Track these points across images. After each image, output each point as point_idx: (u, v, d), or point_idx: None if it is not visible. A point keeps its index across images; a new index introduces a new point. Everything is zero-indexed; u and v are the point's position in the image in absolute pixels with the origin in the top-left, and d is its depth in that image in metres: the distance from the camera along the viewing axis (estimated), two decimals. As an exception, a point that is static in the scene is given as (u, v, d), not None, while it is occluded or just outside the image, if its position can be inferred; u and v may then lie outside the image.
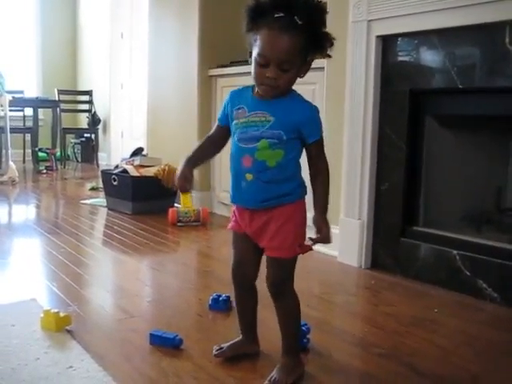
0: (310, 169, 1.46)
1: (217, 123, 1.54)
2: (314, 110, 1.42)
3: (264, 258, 1.51)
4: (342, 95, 2.70)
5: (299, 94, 1.44)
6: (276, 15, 1.32)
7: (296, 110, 1.40)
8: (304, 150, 1.45)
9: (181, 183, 1.50)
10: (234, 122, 1.45)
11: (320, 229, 1.43)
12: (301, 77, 1.40)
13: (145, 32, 4.90)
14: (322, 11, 1.35)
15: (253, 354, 1.62)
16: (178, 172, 1.51)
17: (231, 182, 1.48)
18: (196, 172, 3.46)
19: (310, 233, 1.46)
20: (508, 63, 2.08)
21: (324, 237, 1.43)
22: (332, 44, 1.38)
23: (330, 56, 1.40)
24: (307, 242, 1.45)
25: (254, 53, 1.36)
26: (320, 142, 1.44)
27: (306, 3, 1.33)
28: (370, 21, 2.53)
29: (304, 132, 1.40)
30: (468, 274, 2.24)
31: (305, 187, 1.48)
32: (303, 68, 1.39)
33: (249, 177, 1.41)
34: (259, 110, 1.41)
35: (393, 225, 2.56)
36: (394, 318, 1.99)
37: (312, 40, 1.35)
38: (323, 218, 1.44)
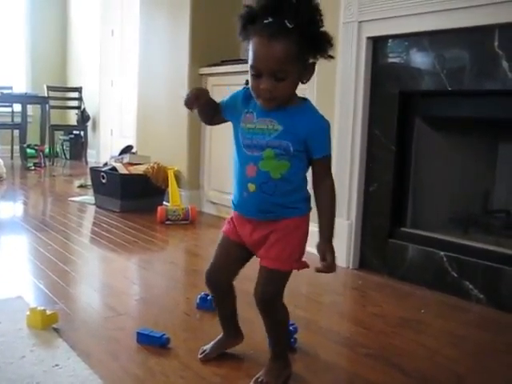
0: (314, 187, 1.39)
1: (220, 104, 1.46)
2: (325, 124, 1.36)
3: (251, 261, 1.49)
4: (332, 96, 2.70)
5: (313, 105, 1.39)
6: (265, 21, 1.24)
7: (306, 121, 1.33)
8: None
9: (192, 94, 1.39)
10: (241, 125, 1.39)
11: (324, 256, 1.35)
12: (303, 82, 1.34)
13: (136, 30, 4.88)
14: (314, 10, 1.27)
15: (237, 345, 1.61)
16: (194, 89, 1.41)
17: (235, 188, 1.43)
18: (185, 170, 3.49)
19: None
20: (497, 66, 2.10)
21: (329, 266, 1.35)
22: (331, 44, 1.31)
23: (331, 57, 1.32)
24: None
25: (249, 63, 1.30)
26: (328, 159, 1.37)
27: (295, 4, 1.24)
28: (360, 22, 2.53)
29: (311, 145, 1.33)
30: (455, 275, 2.26)
31: (310, 202, 1.43)
32: (305, 73, 1.32)
33: (251, 187, 1.36)
34: (268, 117, 1.34)
35: (381, 226, 2.57)
36: (381, 319, 2.00)
37: (308, 42, 1.27)
38: (329, 245, 1.36)
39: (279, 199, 1.36)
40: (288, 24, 1.24)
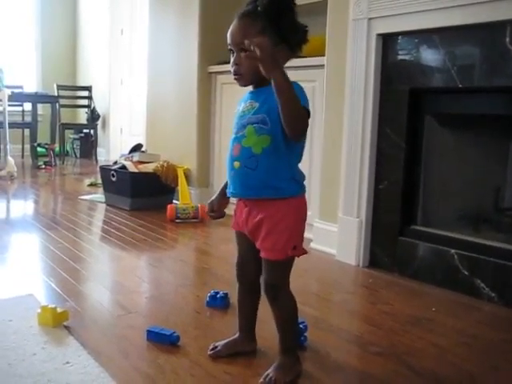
0: None
1: None
2: (296, 85, 1.33)
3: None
4: (342, 93, 2.69)
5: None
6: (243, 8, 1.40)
7: None
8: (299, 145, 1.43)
9: (208, 210, 1.58)
10: (234, 121, 1.47)
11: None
12: None
13: (145, 28, 4.89)
14: (284, 1, 1.37)
15: (249, 351, 1.62)
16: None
17: (226, 173, 1.49)
18: (194, 168, 3.47)
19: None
20: (508, 63, 2.08)
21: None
22: (301, 40, 1.39)
23: (297, 55, 1.41)
24: None
25: None
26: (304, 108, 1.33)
27: None
28: (370, 19, 2.52)
29: None
30: (466, 273, 2.25)
31: (301, 184, 1.45)
32: (272, 51, 1.30)
33: (236, 165, 1.41)
34: (249, 100, 1.44)
35: (391, 223, 2.56)
36: (392, 317, 1.99)
37: (274, 23, 1.35)
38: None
39: (262, 175, 1.39)
40: (259, 8, 1.36)
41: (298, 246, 1.44)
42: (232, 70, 1.42)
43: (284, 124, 1.30)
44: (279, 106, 1.28)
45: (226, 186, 1.54)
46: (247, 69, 1.38)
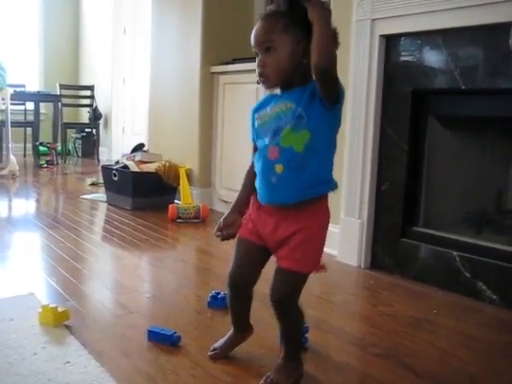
0: None
1: (252, 144, 1.47)
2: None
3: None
4: (345, 94, 2.68)
5: None
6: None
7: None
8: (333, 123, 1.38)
9: (218, 229, 1.48)
10: (257, 124, 1.41)
11: None
12: (303, 63, 1.31)
13: (147, 28, 4.89)
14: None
15: (247, 338, 1.60)
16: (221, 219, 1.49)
17: (258, 183, 1.41)
18: (196, 168, 3.47)
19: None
20: (511, 64, 2.07)
21: None
22: None
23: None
24: None
25: None
26: None
27: None
28: (373, 20, 2.52)
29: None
30: (468, 275, 2.24)
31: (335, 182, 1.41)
32: (297, 49, 1.32)
33: (279, 168, 1.33)
34: (280, 101, 1.37)
35: (393, 225, 2.55)
36: (393, 319, 1.99)
37: (298, 25, 1.31)
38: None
39: (310, 173, 1.33)
40: (283, 7, 1.35)
41: (319, 261, 1.41)
42: (257, 72, 1.37)
43: (315, 50, 1.25)
44: (314, 33, 1.25)
45: (240, 202, 1.49)
46: (273, 70, 1.34)
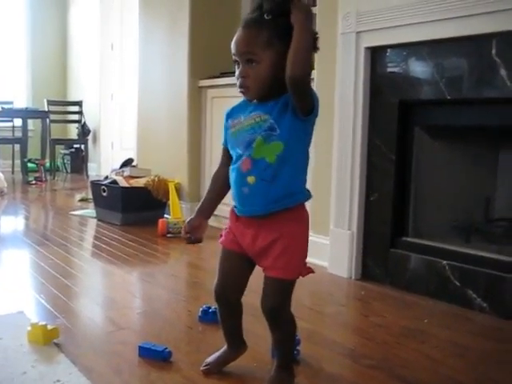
0: None
1: (222, 147, 1.48)
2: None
3: (256, 271, 1.49)
4: (332, 106, 2.70)
5: None
6: (248, 15, 1.34)
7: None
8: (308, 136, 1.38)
9: (184, 232, 1.48)
10: (230, 131, 1.41)
11: None
12: (283, 76, 1.27)
13: (135, 43, 4.91)
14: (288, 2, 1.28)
15: (241, 355, 1.58)
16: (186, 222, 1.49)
17: (233, 193, 1.41)
18: (185, 183, 3.45)
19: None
20: (495, 74, 2.10)
21: None
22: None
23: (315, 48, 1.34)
24: None
25: None
26: None
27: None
28: (358, 32, 2.54)
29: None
30: (457, 284, 2.25)
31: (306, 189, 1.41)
32: (281, 63, 1.28)
33: (251, 179, 1.34)
34: (254, 112, 1.36)
35: (382, 235, 2.56)
36: (384, 329, 1.99)
37: (281, 32, 1.28)
38: None
39: (282, 184, 1.33)
40: (265, 16, 1.30)
41: (305, 264, 1.41)
42: (238, 83, 1.35)
43: (291, 59, 1.24)
44: (294, 39, 1.24)
45: (204, 206, 1.49)
46: (254, 81, 1.33)
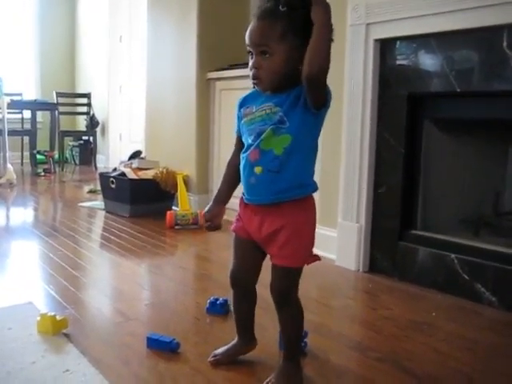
0: None
1: (236, 136, 1.49)
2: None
3: (266, 264, 1.49)
4: (341, 98, 2.69)
5: None
6: (262, 6, 1.32)
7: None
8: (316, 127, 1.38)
9: (204, 220, 1.52)
10: (243, 120, 1.42)
11: None
12: (299, 69, 1.28)
13: (143, 35, 4.90)
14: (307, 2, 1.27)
15: (251, 351, 1.60)
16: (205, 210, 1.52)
17: (242, 181, 1.44)
18: (194, 175, 3.45)
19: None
20: (505, 67, 2.08)
21: None
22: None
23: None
24: None
25: None
26: None
27: None
28: (368, 24, 2.53)
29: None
30: (466, 277, 2.24)
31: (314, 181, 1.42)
32: (295, 56, 1.29)
33: (258, 170, 1.36)
34: (266, 103, 1.36)
35: (391, 228, 2.56)
36: (392, 322, 1.99)
37: (297, 24, 1.28)
38: None
39: (288, 176, 1.34)
40: (280, 8, 1.29)
41: (312, 253, 1.43)
42: (251, 74, 1.35)
43: (310, 56, 1.24)
44: (314, 35, 1.24)
45: (221, 194, 1.52)
46: (267, 72, 1.33)
